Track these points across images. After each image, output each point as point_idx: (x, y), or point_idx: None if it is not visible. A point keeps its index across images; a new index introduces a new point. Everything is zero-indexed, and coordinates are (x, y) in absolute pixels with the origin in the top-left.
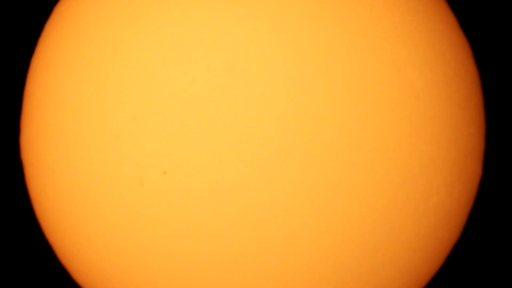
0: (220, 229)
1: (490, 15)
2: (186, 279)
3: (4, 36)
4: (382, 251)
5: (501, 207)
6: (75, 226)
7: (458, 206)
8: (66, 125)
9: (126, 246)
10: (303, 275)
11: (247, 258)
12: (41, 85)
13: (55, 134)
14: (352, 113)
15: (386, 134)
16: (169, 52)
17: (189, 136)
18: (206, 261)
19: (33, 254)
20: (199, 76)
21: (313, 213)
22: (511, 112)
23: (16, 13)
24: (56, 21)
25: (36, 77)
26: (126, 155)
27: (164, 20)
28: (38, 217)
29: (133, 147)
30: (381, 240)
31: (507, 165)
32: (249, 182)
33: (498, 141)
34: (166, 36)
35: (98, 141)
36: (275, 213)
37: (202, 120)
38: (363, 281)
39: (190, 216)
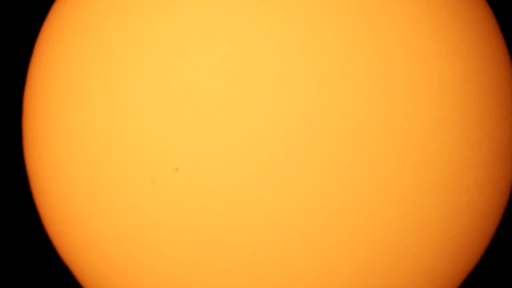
0: (237, 231)
1: None
2: (197, 285)
3: (6, 30)
4: (410, 253)
5: None
6: (81, 227)
7: (490, 206)
8: (70, 119)
9: (135, 249)
10: (327, 279)
11: (266, 263)
12: (44, 76)
13: (59, 128)
14: (377, 107)
15: (413, 128)
16: (182, 42)
17: (204, 129)
18: (221, 266)
19: (36, 255)
20: (215, 65)
21: (337, 214)
22: None
23: (19, 2)
24: (61, 8)
25: (38, 68)
26: (134, 150)
27: (177, 8)
28: (41, 217)
29: (142, 142)
30: (410, 242)
31: None
32: (271, 180)
33: None
34: (179, 25)
35: (105, 136)
36: (297, 214)
37: (217, 112)
38: (391, 284)
39: (204, 218)
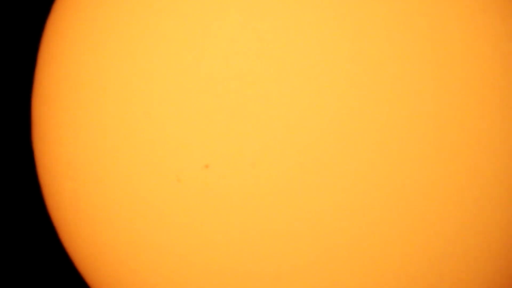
0: (274, 235)
1: None
2: None
3: (11, 25)
4: (469, 260)
5: None
6: (98, 230)
7: None
8: (87, 111)
9: (160, 255)
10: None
11: (308, 272)
12: (55, 59)
13: (75, 122)
14: (436, 94)
15: (475, 119)
16: (211, 26)
17: (237, 121)
18: (258, 272)
19: (48, 262)
20: (250, 55)
21: (392, 220)
22: None
23: None
24: None
25: (49, 56)
26: (159, 145)
27: None
28: (53, 220)
29: (168, 136)
30: (469, 248)
31: None
32: (318, 177)
33: None
34: (208, 5)
35: (126, 129)
36: (343, 217)
37: (252, 102)
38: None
39: (236, 220)
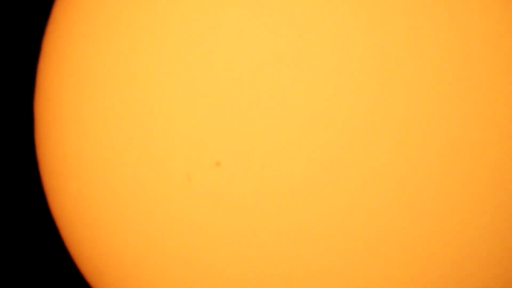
0: (290, 237)
1: None
2: None
3: (13, 23)
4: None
5: None
6: (104, 232)
7: None
8: (92, 108)
9: (169, 257)
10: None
11: (320, 273)
12: (59, 55)
13: (79, 119)
14: (468, 87)
15: (499, 117)
16: (225, 21)
17: (250, 116)
18: (272, 276)
19: (50, 263)
20: (265, 45)
21: (419, 223)
22: None
23: None
24: None
25: (52, 51)
26: (168, 142)
27: None
28: (55, 220)
29: (177, 132)
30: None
31: None
32: (333, 178)
33: None
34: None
35: (133, 125)
36: (365, 219)
37: (266, 96)
38: None
39: (249, 221)
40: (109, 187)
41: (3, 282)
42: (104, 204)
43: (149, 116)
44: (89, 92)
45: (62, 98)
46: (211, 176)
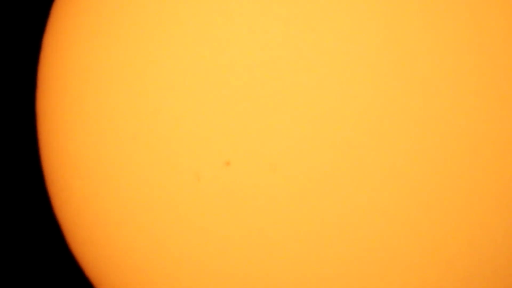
0: (301, 238)
1: None
2: None
3: (13, 21)
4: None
5: None
6: (109, 232)
7: None
8: (97, 106)
9: (177, 258)
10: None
11: (336, 277)
12: (61, 52)
13: (83, 118)
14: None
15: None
16: (235, 20)
17: (260, 116)
18: (282, 278)
19: (53, 263)
20: (276, 44)
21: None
22: None
23: None
24: None
25: (54, 49)
26: (176, 141)
27: None
28: (59, 220)
29: (186, 131)
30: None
31: None
32: (344, 178)
33: None
34: None
35: (140, 123)
36: (376, 219)
37: (276, 95)
38: None
39: (258, 221)
40: (115, 187)
41: (6, 282)
42: (109, 205)
43: (157, 115)
44: (94, 90)
45: (66, 99)
46: (220, 175)
